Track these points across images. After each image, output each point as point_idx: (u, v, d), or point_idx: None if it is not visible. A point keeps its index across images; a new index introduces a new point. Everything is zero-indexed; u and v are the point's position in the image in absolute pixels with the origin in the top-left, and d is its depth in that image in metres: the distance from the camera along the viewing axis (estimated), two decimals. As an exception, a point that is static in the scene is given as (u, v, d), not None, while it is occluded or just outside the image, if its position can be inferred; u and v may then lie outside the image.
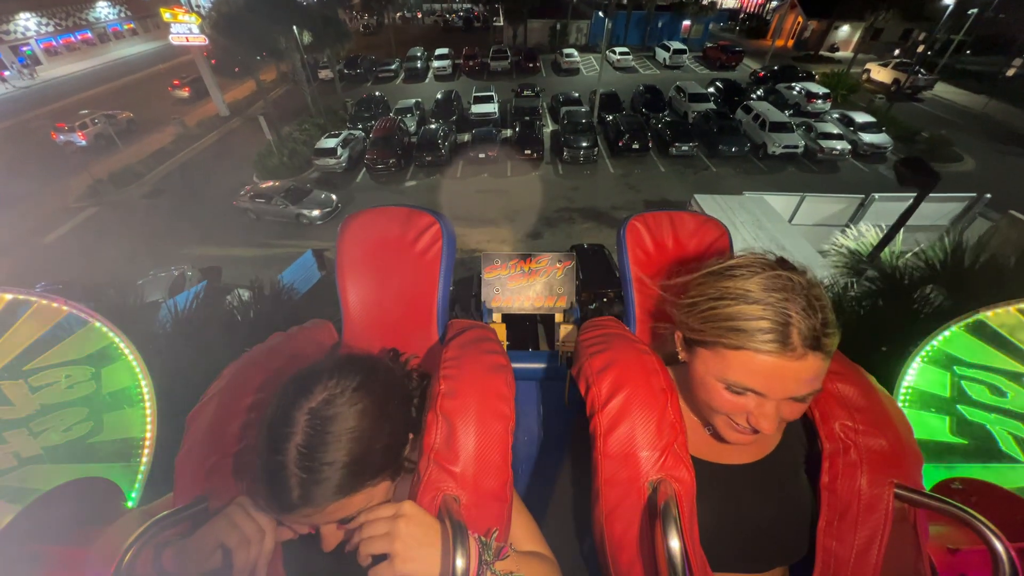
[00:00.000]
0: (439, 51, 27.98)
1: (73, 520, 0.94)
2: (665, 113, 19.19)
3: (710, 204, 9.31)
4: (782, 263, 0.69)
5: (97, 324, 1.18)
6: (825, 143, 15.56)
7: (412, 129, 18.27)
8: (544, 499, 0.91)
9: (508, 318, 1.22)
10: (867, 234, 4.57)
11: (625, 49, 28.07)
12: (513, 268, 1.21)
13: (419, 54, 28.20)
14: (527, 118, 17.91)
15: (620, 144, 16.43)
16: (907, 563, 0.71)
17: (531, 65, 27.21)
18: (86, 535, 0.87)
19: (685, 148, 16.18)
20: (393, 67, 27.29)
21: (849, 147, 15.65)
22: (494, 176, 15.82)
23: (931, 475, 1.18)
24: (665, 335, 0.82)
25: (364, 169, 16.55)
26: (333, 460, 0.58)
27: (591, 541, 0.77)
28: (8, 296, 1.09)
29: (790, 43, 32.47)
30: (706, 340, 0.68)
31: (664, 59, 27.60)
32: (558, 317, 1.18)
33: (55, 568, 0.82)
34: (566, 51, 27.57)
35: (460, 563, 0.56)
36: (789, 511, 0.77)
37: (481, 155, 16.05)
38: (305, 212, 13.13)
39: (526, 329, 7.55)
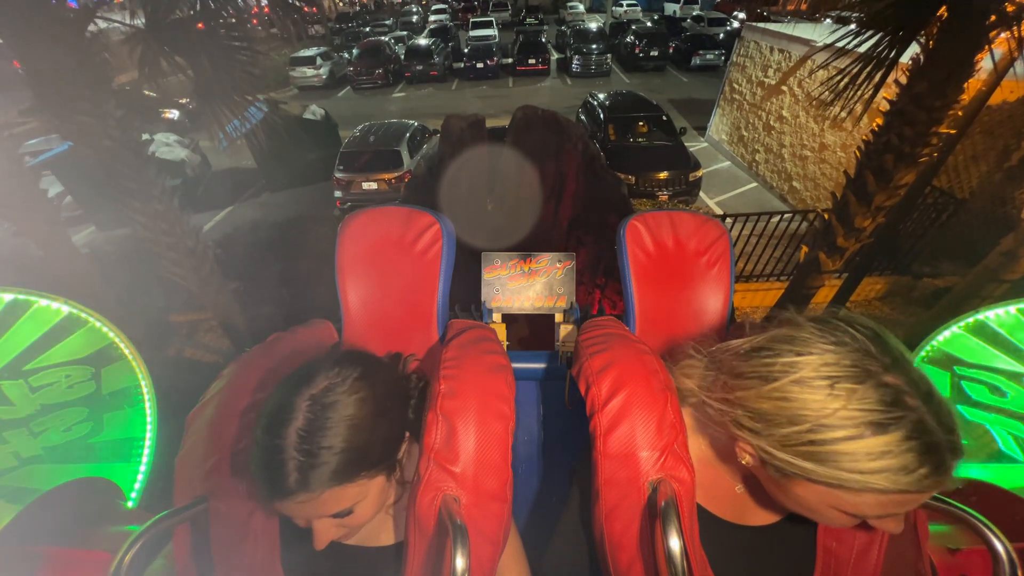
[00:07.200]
0: (436, 6, 28.17)
1: (73, 520, 0.94)
2: (685, 34, 17.41)
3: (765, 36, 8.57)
4: (875, 342, 0.52)
5: (97, 324, 1.18)
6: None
7: (402, 57, 16.44)
8: (543, 499, 0.91)
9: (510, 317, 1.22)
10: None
11: (633, 1, 27.42)
12: (513, 268, 1.21)
13: (415, 9, 28.67)
14: (531, 36, 16.37)
15: (636, 51, 14.76)
16: (907, 563, 0.71)
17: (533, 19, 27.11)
18: (86, 535, 0.87)
19: (710, 56, 14.53)
20: (388, 22, 27.28)
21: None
22: (495, 87, 14.58)
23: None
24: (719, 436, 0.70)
25: (348, 87, 15.46)
26: (331, 445, 0.59)
27: (591, 541, 0.76)
28: (8, 296, 1.09)
29: (803, 6, 31.60)
30: (821, 481, 0.52)
31: (674, 11, 26.60)
32: (558, 317, 1.18)
33: (55, 568, 0.82)
34: (570, 4, 27.47)
35: (460, 563, 0.56)
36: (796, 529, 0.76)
37: (479, 64, 14.76)
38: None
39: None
